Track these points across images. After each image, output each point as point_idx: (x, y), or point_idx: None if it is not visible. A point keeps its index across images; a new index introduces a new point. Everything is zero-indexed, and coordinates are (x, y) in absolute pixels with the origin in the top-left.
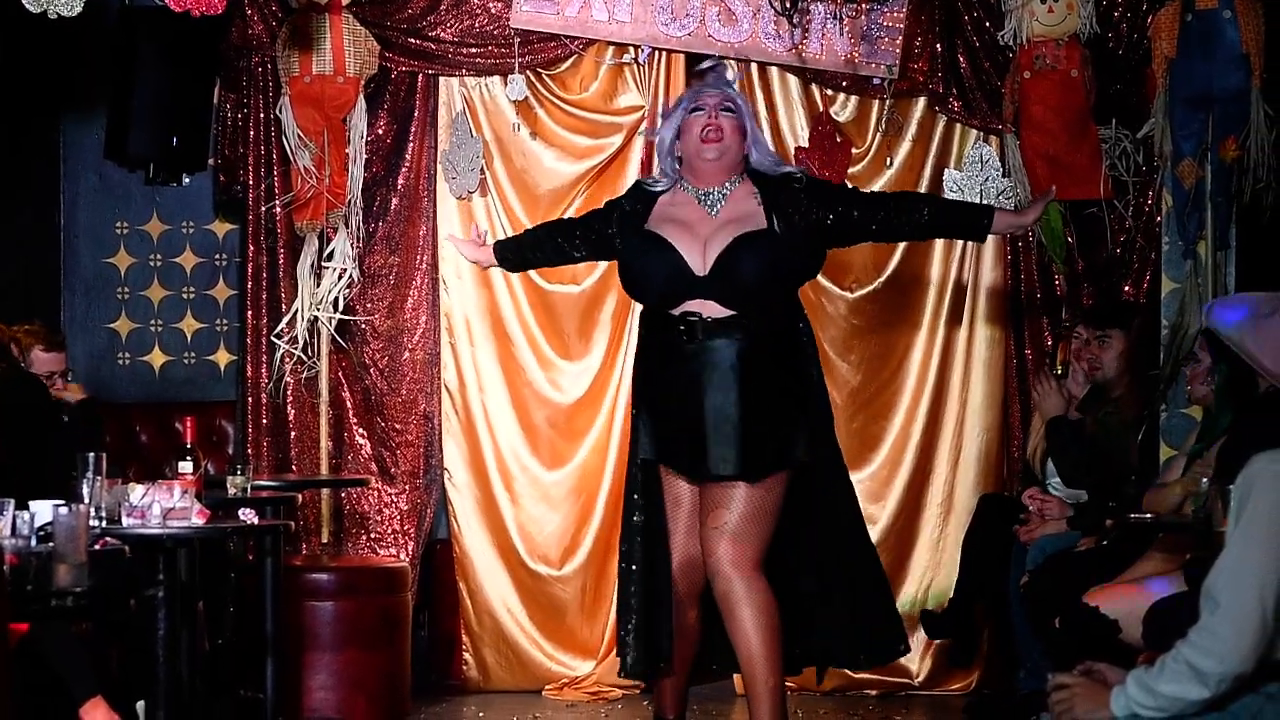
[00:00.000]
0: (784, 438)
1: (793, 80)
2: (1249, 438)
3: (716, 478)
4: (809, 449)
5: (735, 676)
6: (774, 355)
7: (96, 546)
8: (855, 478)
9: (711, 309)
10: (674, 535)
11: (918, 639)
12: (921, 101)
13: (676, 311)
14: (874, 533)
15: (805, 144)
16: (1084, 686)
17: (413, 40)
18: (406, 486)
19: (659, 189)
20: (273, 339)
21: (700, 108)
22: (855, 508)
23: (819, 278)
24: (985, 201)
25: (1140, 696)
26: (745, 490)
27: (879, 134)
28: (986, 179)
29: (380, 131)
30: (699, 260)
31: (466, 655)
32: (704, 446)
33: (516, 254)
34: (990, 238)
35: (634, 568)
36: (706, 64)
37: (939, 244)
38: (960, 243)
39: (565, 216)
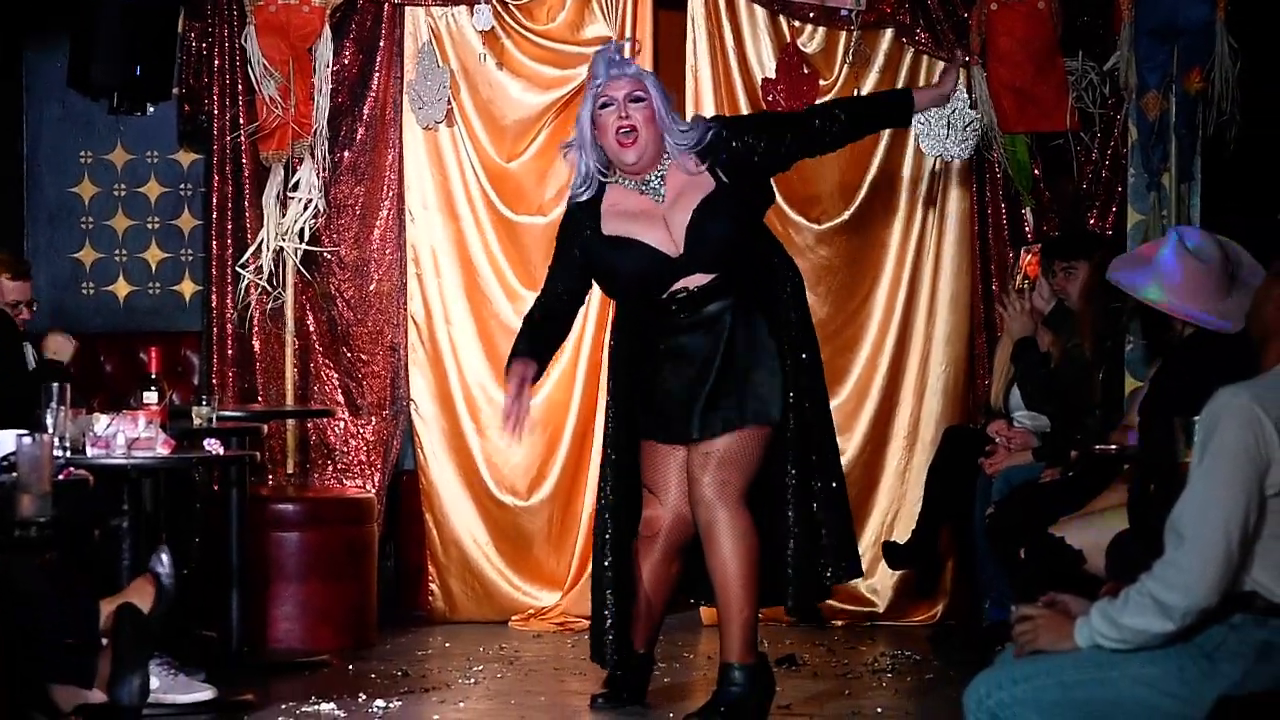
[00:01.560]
0: (763, 396)
1: (760, 12)
2: (1180, 370)
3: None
4: (785, 407)
5: (702, 609)
6: (757, 307)
7: (61, 476)
8: None
9: (697, 280)
10: (666, 491)
11: (882, 569)
12: (889, 33)
13: (665, 295)
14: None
15: (772, 75)
16: (1047, 618)
17: None
18: (373, 417)
19: (588, 194)
20: (238, 269)
21: (610, 102)
22: (834, 453)
23: (787, 210)
24: (952, 134)
25: (1104, 628)
26: (731, 439)
27: (846, 66)
28: (953, 111)
29: (346, 61)
30: (669, 243)
31: (433, 586)
32: (697, 409)
33: (549, 346)
34: (955, 165)
35: (607, 566)
36: (601, 48)
37: (905, 176)
38: (927, 174)
39: (541, 297)
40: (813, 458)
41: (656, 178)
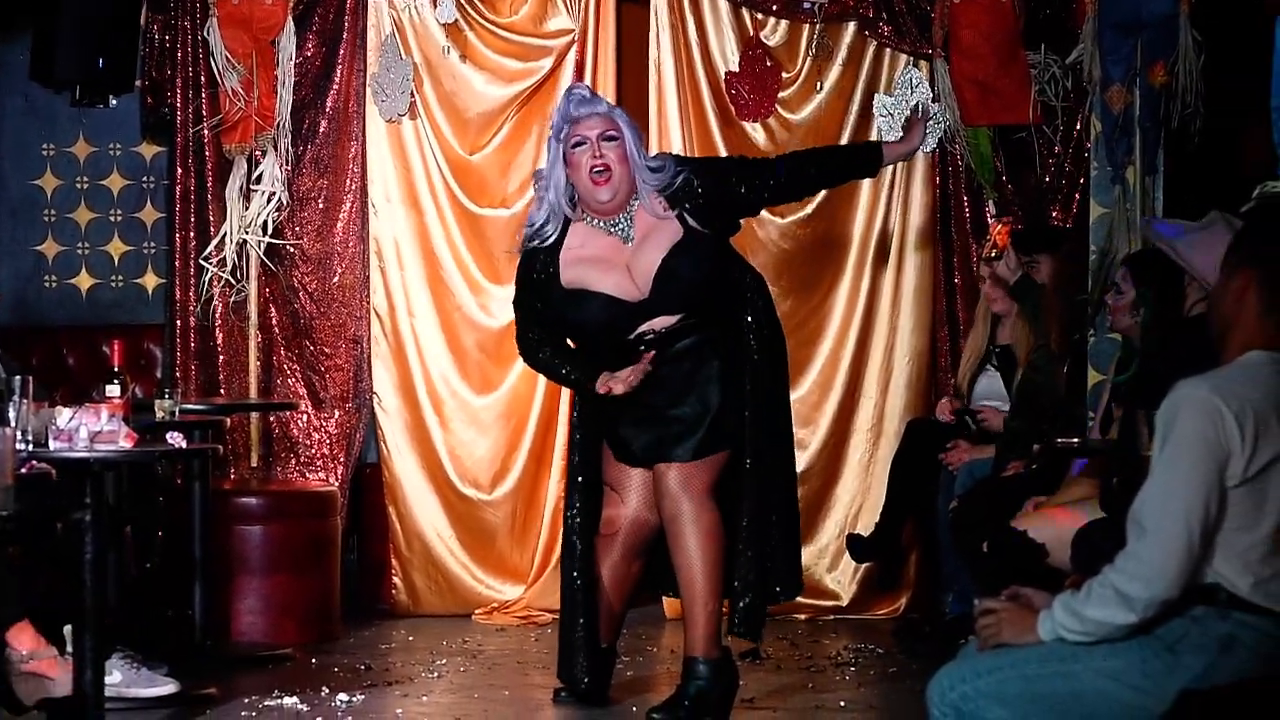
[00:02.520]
0: (725, 428)
1: (723, 5)
2: (1177, 359)
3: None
4: (744, 439)
5: (666, 600)
6: (723, 338)
7: (23, 470)
8: None
9: (663, 322)
10: (627, 491)
11: (845, 563)
12: (852, 26)
13: (633, 337)
14: (803, 457)
15: (736, 69)
16: (1010, 612)
17: None
18: (336, 411)
19: (550, 236)
20: (201, 262)
21: (583, 140)
22: (793, 482)
23: None
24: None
25: (1067, 621)
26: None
27: (809, 59)
28: (916, 104)
29: (309, 54)
30: (631, 288)
31: (396, 579)
32: (667, 438)
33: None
34: (920, 160)
35: (578, 587)
36: (569, 89)
37: None
38: (890, 168)
39: (529, 334)
40: (770, 491)
41: (625, 219)
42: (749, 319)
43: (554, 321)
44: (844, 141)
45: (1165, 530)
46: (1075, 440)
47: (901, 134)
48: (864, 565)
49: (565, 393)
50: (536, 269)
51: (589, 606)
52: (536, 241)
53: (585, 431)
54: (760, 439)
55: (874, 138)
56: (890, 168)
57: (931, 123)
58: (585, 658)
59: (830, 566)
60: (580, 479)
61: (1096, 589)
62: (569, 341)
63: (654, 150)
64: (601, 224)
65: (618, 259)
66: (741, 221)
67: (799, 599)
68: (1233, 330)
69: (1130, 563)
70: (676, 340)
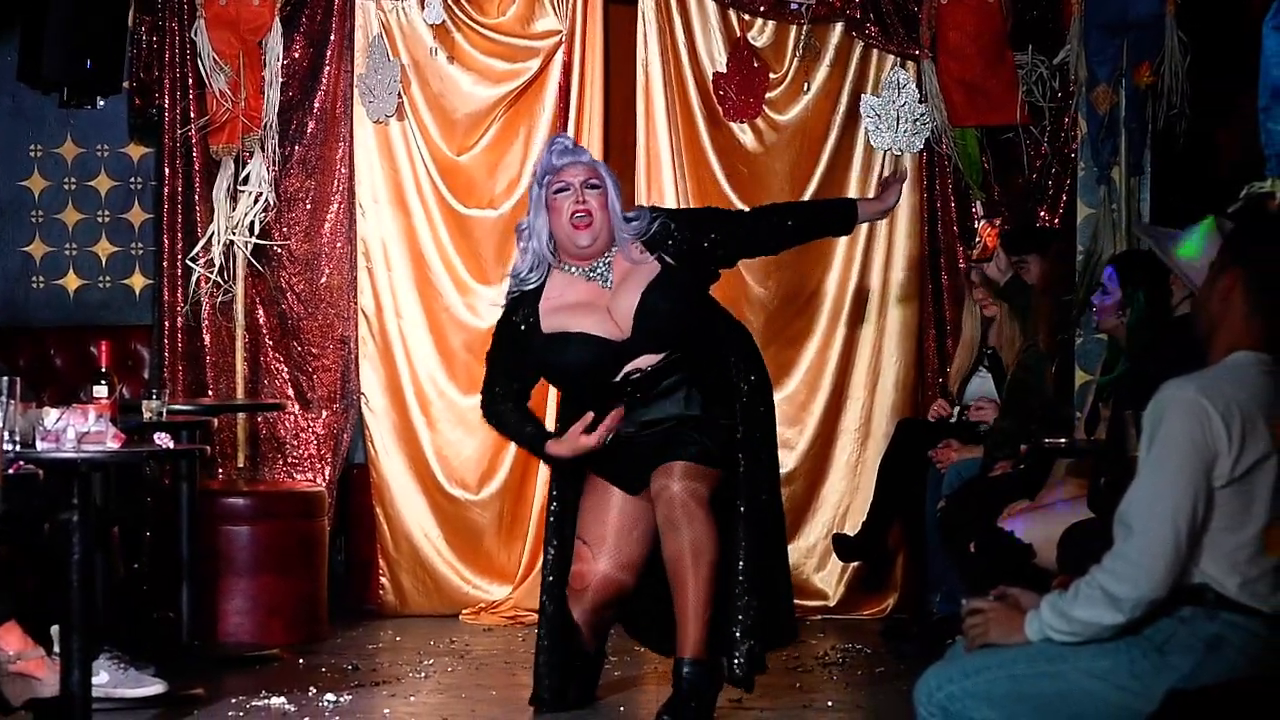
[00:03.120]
0: (713, 452)
1: (710, 6)
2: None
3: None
4: (735, 474)
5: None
6: (707, 378)
7: (10, 470)
8: None
9: (648, 360)
10: (601, 544)
11: (833, 563)
12: (839, 27)
13: (619, 378)
14: (790, 458)
15: (723, 70)
16: (998, 611)
17: None
18: (323, 411)
19: (534, 283)
20: (188, 263)
21: (566, 187)
22: (782, 529)
23: (737, 205)
24: (902, 127)
25: (1054, 621)
26: (686, 466)
27: (796, 59)
28: (903, 104)
29: (296, 55)
30: (614, 329)
31: (383, 580)
32: (631, 466)
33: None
34: (905, 159)
35: (550, 613)
36: (552, 139)
37: (855, 169)
38: (877, 168)
39: (495, 390)
40: (766, 537)
41: (604, 264)
42: (733, 359)
43: (536, 369)
44: (830, 142)
45: (1152, 531)
46: (1062, 440)
47: (890, 132)
48: (851, 566)
49: (552, 391)
50: (517, 318)
51: (561, 634)
52: (518, 290)
53: (561, 492)
54: (754, 481)
55: (861, 139)
56: (877, 168)
57: (920, 120)
58: (549, 679)
59: (818, 567)
60: (557, 508)
61: (1084, 589)
62: (555, 388)
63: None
64: (579, 271)
65: (598, 302)
66: (720, 272)
67: None
68: (1219, 330)
69: (1118, 563)
70: (661, 379)
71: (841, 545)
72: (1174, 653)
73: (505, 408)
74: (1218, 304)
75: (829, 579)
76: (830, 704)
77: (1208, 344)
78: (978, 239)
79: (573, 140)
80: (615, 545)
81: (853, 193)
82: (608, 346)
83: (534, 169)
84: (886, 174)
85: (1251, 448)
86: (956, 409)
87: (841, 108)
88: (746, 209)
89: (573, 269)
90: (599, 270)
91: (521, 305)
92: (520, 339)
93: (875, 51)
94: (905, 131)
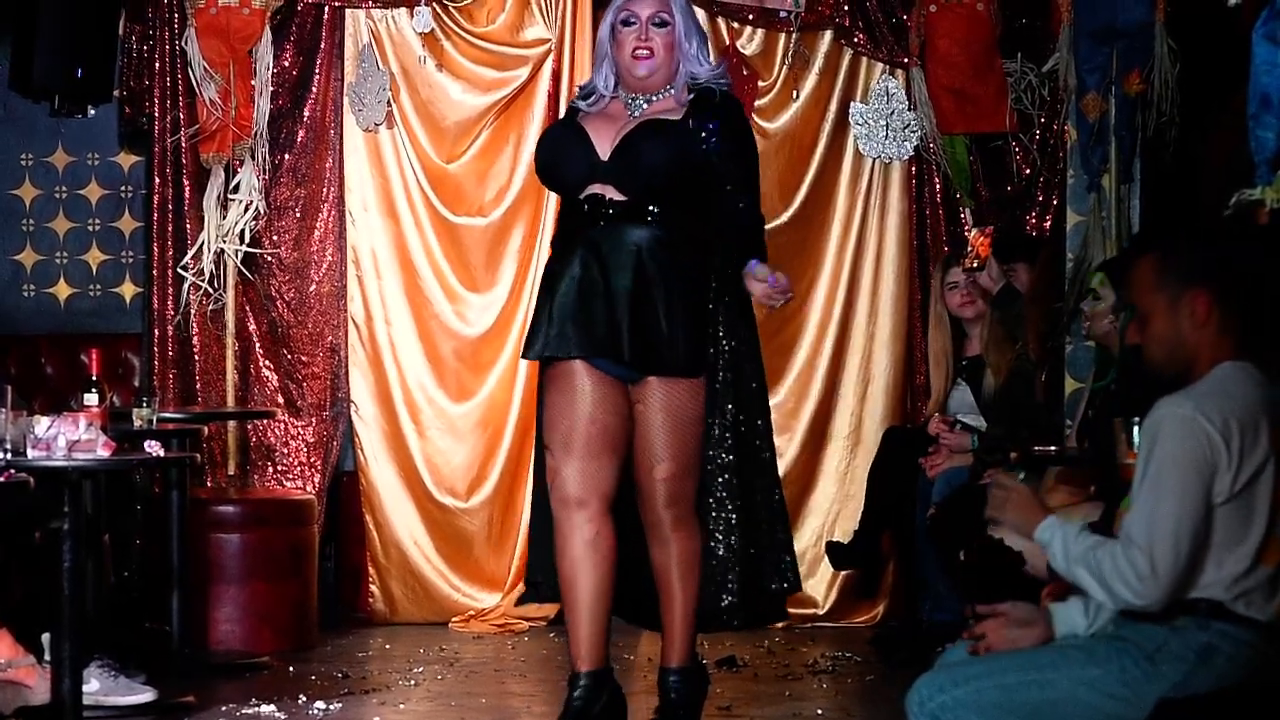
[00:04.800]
0: (679, 346)
1: (699, 13)
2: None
3: (621, 366)
4: (701, 363)
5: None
6: (686, 265)
7: (1, 478)
8: None
9: (612, 193)
10: (572, 443)
11: (823, 570)
12: (828, 35)
13: (582, 196)
14: (780, 465)
15: None
16: (1024, 497)
17: None
18: (313, 419)
19: (588, 107)
20: (179, 271)
21: (633, 19)
22: (771, 448)
23: None
24: (891, 135)
25: (1059, 552)
26: (674, 402)
27: (785, 67)
28: (892, 112)
29: (286, 64)
30: (606, 146)
31: (373, 588)
32: (608, 329)
33: None
34: (895, 166)
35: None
36: None
37: (844, 177)
38: (866, 175)
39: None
40: (751, 459)
41: (644, 99)
42: (729, 272)
43: (542, 177)
44: (819, 149)
45: (1157, 552)
46: (1053, 449)
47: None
48: (842, 573)
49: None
50: (564, 118)
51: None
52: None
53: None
54: (744, 405)
55: (850, 146)
56: (866, 176)
57: (909, 127)
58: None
59: (808, 574)
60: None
61: (1095, 561)
62: (550, 189)
63: None
64: (625, 96)
65: (616, 123)
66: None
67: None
68: (1201, 352)
69: (1126, 569)
70: (623, 219)
71: (835, 553)
72: (1165, 661)
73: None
74: (1191, 329)
75: (819, 586)
76: (820, 712)
77: (1189, 373)
78: (969, 247)
79: None
80: (580, 453)
81: (842, 201)
82: (588, 161)
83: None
84: (776, 291)
85: (1250, 459)
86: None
87: (830, 115)
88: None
89: (621, 95)
90: (638, 101)
91: (571, 112)
92: (551, 132)
93: (864, 59)
94: (894, 139)
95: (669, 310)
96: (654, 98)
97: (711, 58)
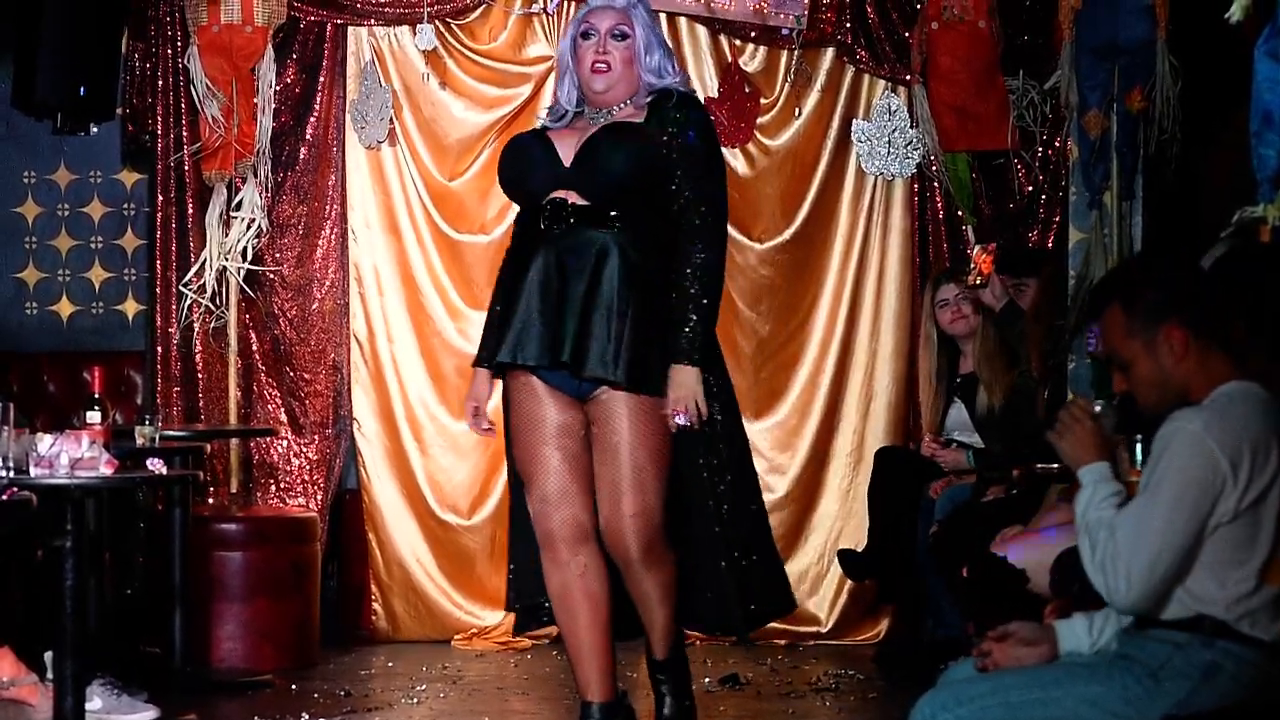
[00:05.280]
0: (640, 359)
1: (701, 31)
2: None
3: (583, 379)
4: (662, 382)
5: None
6: (647, 270)
7: (4, 496)
8: (763, 426)
9: (575, 198)
10: (543, 477)
11: (826, 588)
12: (830, 52)
13: (544, 201)
14: (782, 482)
15: (715, 95)
16: (1089, 433)
17: None
18: (315, 436)
19: (554, 124)
20: (181, 289)
21: (591, 31)
22: (748, 458)
23: (729, 229)
24: (893, 152)
25: (1081, 504)
26: (629, 425)
27: (788, 84)
28: (894, 129)
29: (289, 81)
30: (569, 154)
31: (376, 605)
32: (565, 339)
33: None
34: (897, 183)
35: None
36: None
37: (847, 194)
38: (868, 192)
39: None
40: (729, 473)
41: (607, 112)
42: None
43: (505, 189)
44: (821, 167)
45: (1134, 565)
46: (1055, 466)
47: (881, 157)
48: (845, 591)
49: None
50: (522, 134)
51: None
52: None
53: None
54: (716, 420)
55: (852, 163)
56: (868, 193)
57: (911, 144)
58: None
59: (811, 591)
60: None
61: (1094, 538)
62: (512, 200)
63: None
64: (589, 112)
65: (579, 134)
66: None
67: (779, 624)
68: (1191, 381)
69: (1107, 564)
70: (583, 224)
71: (851, 563)
72: (1169, 679)
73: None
74: (1174, 364)
75: (821, 604)
76: None
77: (1185, 404)
78: (971, 265)
79: None
80: (556, 485)
81: (845, 218)
82: (552, 169)
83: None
84: (688, 419)
85: (1258, 479)
86: (944, 439)
87: (833, 132)
88: (702, 207)
89: (586, 111)
90: (601, 115)
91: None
92: (513, 143)
93: (866, 76)
94: (896, 156)
95: (632, 320)
96: (615, 110)
97: (674, 69)
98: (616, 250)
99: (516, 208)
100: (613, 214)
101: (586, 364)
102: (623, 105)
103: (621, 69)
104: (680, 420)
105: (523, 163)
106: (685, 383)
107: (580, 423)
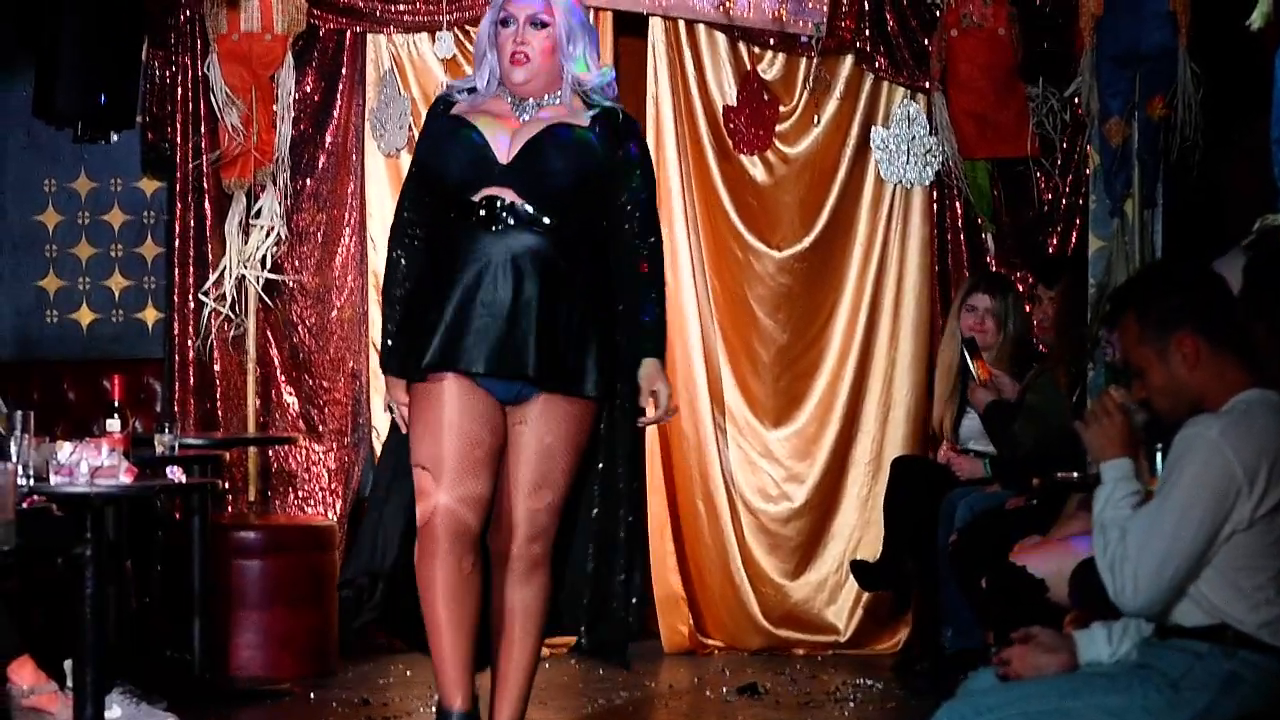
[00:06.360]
0: (579, 363)
1: (720, 38)
2: None
3: (506, 378)
4: (601, 385)
5: (664, 635)
6: (580, 279)
7: (24, 505)
8: (781, 434)
9: (511, 197)
10: (453, 467)
11: (844, 597)
12: (849, 59)
13: (476, 198)
14: (801, 491)
15: (734, 103)
16: (1117, 427)
17: None
18: (334, 444)
19: (465, 95)
20: (200, 297)
21: (510, 20)
22: (640, 474)
23: (747, 237)
24: (912, 160)
25: (1101, 500)
26: (561, 428)
27: (806, 92)
28: (914, 137)
29: (308, 89)
30: (504, 149)
31: None
32: (493, 339)
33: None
34: (916, 191)
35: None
36: None
37: (866, 202)
38: (887, 200)
39: (401, 222)
40: (619, 480)
41: (533, 103)
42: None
43: (425, 165)
44: (840, 174)
45: (1142, 569)
46: (1075, 475)
47: (900, 164)
48: (862, 600)
49: None
50: (440, 107)
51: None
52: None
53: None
54: (617, 423)
55: (871, 171)
56: (887, 201)
57: (930, 152)
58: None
59: (829, 601)
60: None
61: (1108, 536)
62: (428, 194)
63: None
64: (509, 96)
65: (509, 123)
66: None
67: (797, 634)
68: (1205, 392)
69: (1117, 564)
70: (520, 225)
71: (863, 573)
72: (1189, 689)
73: (413, 244)
74: (1186, 372)
75: (840, 613)
76: None
77: (1200, 411)
78: (974, 370)
79: None
80: (455, 474)
81: (863, 226)
82: (487, 160)
83: None
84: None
85: (1276, 486)
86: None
87: (852, 140)
88: (650, 225)
89: (505, 93)
90: (526, 105)
91: (447, 102)
92: (429, 128)
93: (885, 84)
94: (915, 164)
95: (572, 325)
96: (542, 102)
97: (598, 61)
98: (551, 257)
99: (450, 87)
100: (546, 220)
101: (524, 367)
102: (551, 99)
103: (540, 59)
104: (654, 413)
105: (449, 149)
106: (657, 375)
107: (501, 427)
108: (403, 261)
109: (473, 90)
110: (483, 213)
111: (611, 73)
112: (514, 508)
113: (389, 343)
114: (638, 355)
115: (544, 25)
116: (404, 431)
